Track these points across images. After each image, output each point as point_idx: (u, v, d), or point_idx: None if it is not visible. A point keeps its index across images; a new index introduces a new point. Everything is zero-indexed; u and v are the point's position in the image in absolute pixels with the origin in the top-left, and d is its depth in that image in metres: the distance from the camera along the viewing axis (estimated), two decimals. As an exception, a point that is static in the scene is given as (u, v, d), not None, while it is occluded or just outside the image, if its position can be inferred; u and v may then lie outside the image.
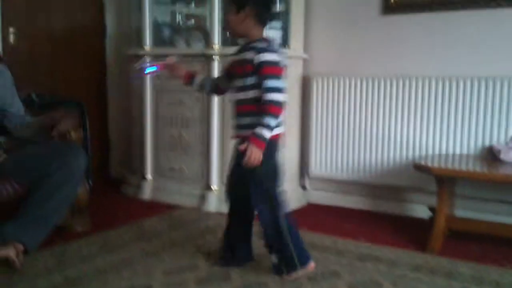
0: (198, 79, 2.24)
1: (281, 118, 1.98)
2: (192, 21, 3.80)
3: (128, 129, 3.83)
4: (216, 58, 3.16)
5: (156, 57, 2.24)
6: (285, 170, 3.28)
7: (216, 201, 3.22)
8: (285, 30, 3.27)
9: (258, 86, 1.91)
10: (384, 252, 2.43)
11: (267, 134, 1.90)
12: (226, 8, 1.98)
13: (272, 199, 2.05)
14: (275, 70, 1.91)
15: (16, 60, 3.30)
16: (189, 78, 2.25)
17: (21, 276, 2.07)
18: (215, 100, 3.19)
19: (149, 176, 3.55)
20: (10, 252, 2.12)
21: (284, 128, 2.07)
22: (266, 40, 1.97)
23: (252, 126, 1.92)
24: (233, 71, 2.05)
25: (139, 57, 3.45)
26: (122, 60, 3.88)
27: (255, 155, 1.90)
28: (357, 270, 2.20)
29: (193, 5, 3.81)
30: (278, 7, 3.26)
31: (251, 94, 1.95)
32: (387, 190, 3.19)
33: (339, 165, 3.26)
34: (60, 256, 2.30)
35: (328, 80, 3.25)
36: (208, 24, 3.38)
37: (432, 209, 2.75)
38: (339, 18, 3.34)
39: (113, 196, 3.57)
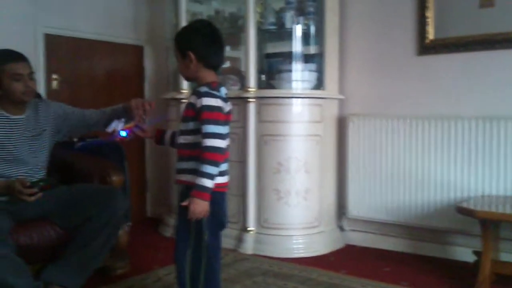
0: (167, 135, 2.16)
1: (224, 165, 1.91)
2: (228, 63, 3.89)
3: (164, 170, 3.89)
4: (252, 100, 3.20)
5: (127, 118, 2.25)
6: (322, 211, 3.27)
7: (253, 243, 3.21)
8: (320, 72, 3.30)
9: (198, 131, 1.83)
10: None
11: (208, 183, 1.80)
12: (175, 55, 1.96)
13: (206, 250, 1.94)
14: (214, 115, 1.82)
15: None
16: (159, 137, 2.18)
17: (63, 321, 2.08)
18: (251, 141, 3.22)
19: (186, 217, 3.56)
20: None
21: (228, 177, 1.99)
22: (212, 83, 1.88)
23: (191, 171, 1.84)
24: (182, 114, 1.97)
25: (175, 100, 3.54)
26: (160, 104, 3.98)
27: (199, 208, 1.81)
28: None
29: (228, 48, 3.90)
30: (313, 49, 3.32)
31: (191, 139, 1.87)
32: (428, 232, 3.11)
33: (378, 206, 3.21)
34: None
35: (364, 120, 3.24)
36: (243, 66, 3.45)
37: (476, 252, 2.67)
38: (374, 59, 3.35)
39: (150, 237, 3.60)
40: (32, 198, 2.20)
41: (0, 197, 2.23)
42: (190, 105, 1.87)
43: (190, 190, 1.82)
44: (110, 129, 2.14)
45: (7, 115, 2.36)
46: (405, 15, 3.21)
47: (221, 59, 1.94)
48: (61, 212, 2.33)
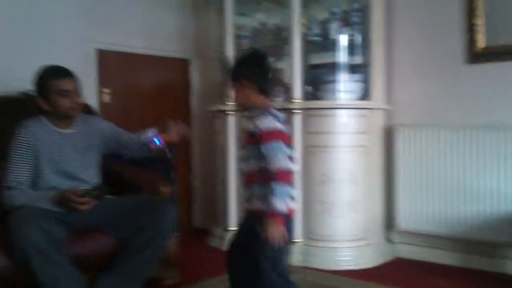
0: None
1: (292, 189, 1.89)
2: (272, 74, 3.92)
3: (210, 181, 3.94)
4: (297, 112, 3.21)
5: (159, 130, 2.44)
6: (369, 223, 3.23)
7: (299, 254, 3.19)
8: (366, 82, 3.27)
9: (260, 156, 1.85)
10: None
11: (280, 205, 1.79)
12: (230, 83, 2.05)
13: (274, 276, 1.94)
14: (279, 136, 1.85)
15: (109, 117, 3.53)
16: None
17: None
18: (297, 152, 3.22)
19: (232, 228, 3.60)
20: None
21: (295, 202, 1.96)
22: (267, 108, 1.95)
23: (259, 197, 1.88)
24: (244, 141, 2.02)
25: (221, 112, 3.59)
26: (206, 115, 4.05)
27: (277, 232, 1.80)
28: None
29: (273, 59, 3.93)
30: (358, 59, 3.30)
31: (257, 163, 1.89)
32: (481, 245, 3.01)
33: (429, 218, 3.13)
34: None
35: (413, 130, 3.18)
36: (287, 78, 3.46)
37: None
38: (422, 68, 3.29)
39: (198, 247, 3.64)
40: (84, 207, 2.25)
41: (54, 208, 2.30)
42: (252, 131, 1.91)
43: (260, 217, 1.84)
44: (145, 136, 2.31)
45: (57, 129, 2.45)
46: (454, 23, 3.14)
47: (272, 83, 2.08)
48: (113, 223, 2.39)
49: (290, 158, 1.86)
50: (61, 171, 2.43)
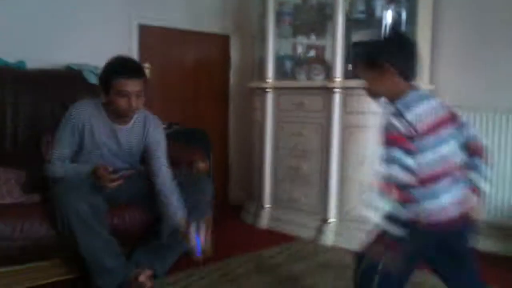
0: None
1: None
2: (313, 52, 3.86)
3: (247, 157, 3.95)
4: (337, 91, 3.16)
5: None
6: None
7: (333, 234, 3.19)
8: (410, 62, 3.17)
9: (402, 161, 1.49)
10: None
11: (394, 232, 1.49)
12: (359, 68, 1.71)
13: None
14: (397, 140, 1.51)
15: (148, 92, 3.57)
16: None
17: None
18: (336, 132, 3.18)
19: (267, 205, 3.62)
20: (142, 276, 2.28)
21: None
22: (412, 94, 1.61)
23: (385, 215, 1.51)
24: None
25: (260, 89, 3.57)
26: (245, 92, 4.04)
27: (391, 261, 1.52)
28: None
29: (313, 36, 3.87)
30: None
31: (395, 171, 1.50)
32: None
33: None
34: (185, 283, 2.41)
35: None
36: (328, 55, 3.40)
37: None
38: (467, 49, 3.17)
39: (232, 223, 3.68)
40: (113, 184, 2.27)
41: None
42: (391, 126, 1.55)
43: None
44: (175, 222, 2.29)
45: (111, 122, 2.40)
46: (503, 3, 2.99)
47: (417, 65, 1.68)
48: (150, 198, 2.43)
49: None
50: (104, 158, 2.43)
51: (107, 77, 2.28)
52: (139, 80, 2.30)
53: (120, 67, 2.29)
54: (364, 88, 1.73)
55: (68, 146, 2.37)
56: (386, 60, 1.60)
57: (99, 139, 2.39)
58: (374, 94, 1.71)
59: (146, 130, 2.47)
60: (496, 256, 3.00)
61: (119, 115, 2.37)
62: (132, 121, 2.44)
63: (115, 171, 2.32)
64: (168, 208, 2.35)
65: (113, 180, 2.27)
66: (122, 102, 2.28)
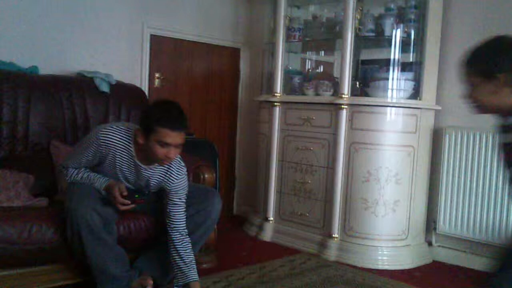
0: None
1: None
2: (321, 68, 3.90)
3: (253, 169, 3.98)
4: (344, 107, 3.19)
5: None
6: (411, 224, 3.18)
7: (336, 250, 3.19)
8: (417, 81, 3.21)
9: None
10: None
11: None
12: (466, 80, 1.61)
13: None
14: None
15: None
16: None
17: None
18: (341, 148, 3.21)
19: (271, 218, 3.63)
20: (144, 284, 2.29)
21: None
22: None
23: None
24: (505, 157, 1.59)
25: (268, 102, 3.60)
26: (253, 105, 4.08)
27: None
28: None
29: (322, 52, 3.91)
30: (411, 58, 3.24)
31: None
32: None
33: (470, 223, 3.07)
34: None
35: (462, 133, 3.11)
36: (337, 72, 3.43)
37: None
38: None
39: (236, 235, 3.70)
40: (124, 208, 2.26)
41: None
42: None
43: None
44: None
45: (137, 160, 2.29)
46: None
47: None
48: (159, 209, 2.43)
49: None
50: (119, 180, 2.38)
51: (154, 124, 2.14)
52: (183, 133, 2.19)
53: (168, 117, 2.15)
54: (472, 103, 1.59)
55: (85, 161, 2.33)
56: (505, 72, 1.48)
57: (120, 171, 2.33)
58: (487, 109, 1.57)
59: (169, 174, 2.36)
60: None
61: (151, 160, 2.27)
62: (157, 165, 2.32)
63: (130, 194, 2.28)
64: (179, 266, 2.30)
65: (124, 204, 2.27)
66: (160, 152, 2.16)
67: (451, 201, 3.15)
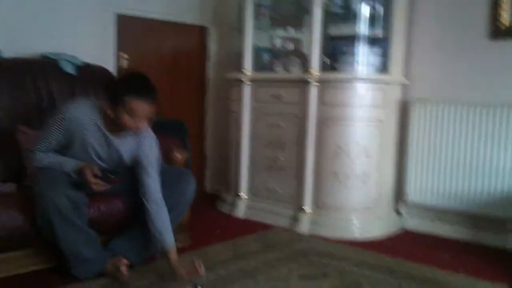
0: None
1: None
2: (291, 45, 3.89)
3: (224, 147, 3.98)
4: (314, 83, 3.21)
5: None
6: (380, 195, 3.26)
7: (309, 223, 3.25)
8: (385, 55, 3.25)
9: None
10: (487, 289, 2.32)
11: None
12: None
13: None
14: None
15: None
16: None
17: (127, 288, 2.22)
18: (311, 124, 3.24)
19: (243, 195, 3.66)
20: (118, 265, 2.29)
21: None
22: None
23: None
24: None
25: (238, 81, 3.60)
26: (223, 83, 4.07)
27: None
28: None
29: (291, 29, 3.90)
30: (379, 32, 3.27)
31: None
32: (489, 221, 3.04)
33: (438, 192, 3.16)
34: (161, 271, 2.44)
35: (429, 106, 3.17)
36: (306, 48, 3.44)
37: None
38: (442, 43, 3.25)
39: (209, 212, 3.72)
40: (98, 188, 2.26)
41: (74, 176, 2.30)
42: None
43: None
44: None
45: (105, 131, 2.30)
46: (478, -1, 3.08)
47: None
48: (131, 190, 2.43)
49: None
50: (91, 159, 2.37)
51: (122, 94, 2.17)
52: (152, 104, 2.23)
53: (138, 88, 2.19)
54: None
55: (55, 143, 2.31)
56: None
57: (92, 148, 2.32)
58: None
59: (140, 142, 2.37)
60: (465, 243, 3.11)
61: (119, 129, 2.28)
62: (125, 134, 2.34)
63: (103, 174, 2.27)
64: (159, 235, 2.29)
65: (99, 184, 2.26)
66: (130, 122, 2.20)
67: (419, 172, 3.23)
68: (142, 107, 2.18)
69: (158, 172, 2.40)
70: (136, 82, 2.23)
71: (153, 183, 2.36)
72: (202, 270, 2.22)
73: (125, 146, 2.37)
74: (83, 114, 2.27)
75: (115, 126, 2.27)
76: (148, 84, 2.24)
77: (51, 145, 2.32)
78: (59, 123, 2.26)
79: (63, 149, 2.35)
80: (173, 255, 2.29)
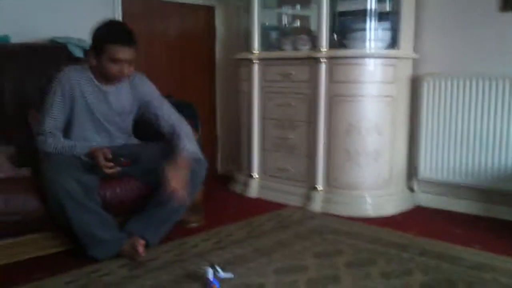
0: None
1: None
2: (298, 22, 3.86)
3: (235, 128, 3.98)
4: (323, 61, 3.18)
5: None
6: (393, 172, 3.25)
7: (321, 201, 3.26)
8: (395, 30, 3.21)
9: None
10: (502, 262, 2.31)
11: None
12: None
13: None
14: None
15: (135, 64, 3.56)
16: None
17: (143, 269, 2.25)
18: (322, 102, 3.22)
19: (255, 175, 3.67)
20: (135, 245, 2.32)
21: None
22: None
23: None
24: None
25: (246, 60, 3.58)
26: (231, 63, 4.04)
27: None
28: (473, 281, 2.13)
29: (298, 6, 3.86)
30: (387, 7, 3.23)
31: None
32: (502, 195, 3.03)
33: (450, 168, 3.15)
34: (178, 251, 2.46)
35: (440, 80, 3.14)
36: (314, 25, 3.41)
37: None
38: (452, 16, 3.20)
39: (221, 193, 3.74)
40: (110, 171, 2.29)
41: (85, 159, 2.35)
42: None
43: None
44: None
45: (99, 84, 2.42)
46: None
47: None
48: (144, 170, 2.46)
49: None
50: (95, 125, 2.47)
51: (101, 42, 2.29)
52: (133, 48, 2.33)
53: (115, 34, 2.30)
54: None
55: (60, 113, 2.37)
56: None
57: (91, 102, 2.40)
58: None
59: (134, 86, 2.51)
60: (478, 217, 3.11)
61: (108, 80, 2.40)
62: (120, 82, 2.47)
63: (114, 157, 2.31)
64: (177, 144, 2.43)
65: (111, 167, 2.29)
66: (114, 69, 2.32)
67: (431, 148, 3.22)
68: (123, 53, 2.28)
69: (164, 101, 2.56)
70: (114, 29, 2.34)
71: (167, 112, 2.53)
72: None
73: (122, 94, 2.47)
74: (75, 74, 2.39)
75: (106, 79, 2.39)
76: (124, 28, 2.37)
77: (58, 121, 2.37)
78: (57, 89, 2.35)
79: (70, 126, 2.41)
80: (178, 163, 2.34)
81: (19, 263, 2.29)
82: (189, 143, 2.44)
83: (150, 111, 2.55)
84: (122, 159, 2.34)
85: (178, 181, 2.29)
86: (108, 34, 2.29)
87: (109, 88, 2.45)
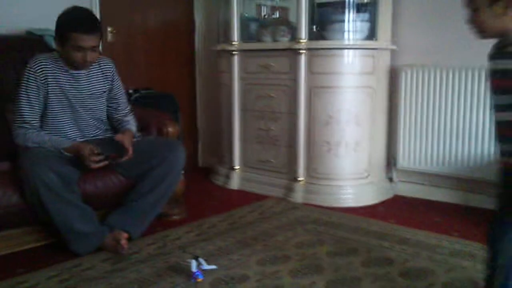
0: None
1: None
2: (277, 13, 3.85)
3: (216, 120, 3.98)
4: (302, 52, 3.19)
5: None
6: (372, 162, 3.30)
7: (302, 192, 3.29)
8: (373, 22, 3.23)
9: None
10: (481, 250, 2.37)
11: None
12: (469, 4, 1.57)
13: None
14: None
15: (112, 56, 3.51)
16: None
17: (126, 262, 2.24)
18: (302, 93, 3.24)
19: (237, 167, 3.68)
20: (117, 239, 2.31)
21: None
22: None
23: None
24: (492, 84, 1.57)
25: (226, 52, 3.56)
26: (211, 55, 4.03)
27: None
28: (453, 268, 2.18)
29: (278, -3, 3.86)
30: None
31: None
32: (478, 184, 3.09)
33: (428, 157, 3.21)
34: (161, 244, 2.46)
35: (417, 71, 3.18)
36: (293, 17, 3.41)
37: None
38: (429, 8, 3.24)
39: (203, 185, 3.74)
40: (96, 166, 2.29)
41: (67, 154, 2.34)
42: (506, 72, 1.49)
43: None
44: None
45: (69, 70, 2.43)
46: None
47: None
48: (124, 163, 2.44)
49: None
50: (71, 111, 2.45)
51: (64, 31, 2.29)
52: (95, 35, 2.33)
53: (77, 21, 2.29)
54: (475, 28, 1.59)
55: (36, 99, 2.36)
56: None
57: (63, 87, 2.41)
58: (486, 33, 1.58)
59: (102, 69, 2.56)
60: (456, 206, 3.17)
61: (74, 67, 2.41)
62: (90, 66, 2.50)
63: (100, 153, 2.30)
64: (125, 124, 2.62)
65: (97, 161, 2.28)
66: (77, 56, 2.33)
67: (409, 138, 3.27)
68: (86, 41, 2.28)
69: (124, 93, 2.70)
70: (77, 16, 2.32)
71: (128, 114, 2.68)
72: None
73: (92, 76, 2.50)
74: (46, 61, 2.39)
75: (73, 66, 2.40)
76: (88, 16, 2.36)
77: (34, 110, 2.36)
78: (29, 75, 2.35)
79: (45, 117, 2.41)
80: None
81: (0, 258, 2.26)
82: (134, 128, 2.64)
83: (111, 98, 2.63)
84: (109, 156, 2.33)
85: (129, 143, 2.40)
86: (71, 22, 2.28)
87: (80, 72, 2.46)
